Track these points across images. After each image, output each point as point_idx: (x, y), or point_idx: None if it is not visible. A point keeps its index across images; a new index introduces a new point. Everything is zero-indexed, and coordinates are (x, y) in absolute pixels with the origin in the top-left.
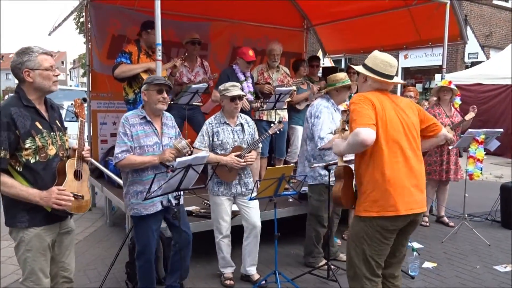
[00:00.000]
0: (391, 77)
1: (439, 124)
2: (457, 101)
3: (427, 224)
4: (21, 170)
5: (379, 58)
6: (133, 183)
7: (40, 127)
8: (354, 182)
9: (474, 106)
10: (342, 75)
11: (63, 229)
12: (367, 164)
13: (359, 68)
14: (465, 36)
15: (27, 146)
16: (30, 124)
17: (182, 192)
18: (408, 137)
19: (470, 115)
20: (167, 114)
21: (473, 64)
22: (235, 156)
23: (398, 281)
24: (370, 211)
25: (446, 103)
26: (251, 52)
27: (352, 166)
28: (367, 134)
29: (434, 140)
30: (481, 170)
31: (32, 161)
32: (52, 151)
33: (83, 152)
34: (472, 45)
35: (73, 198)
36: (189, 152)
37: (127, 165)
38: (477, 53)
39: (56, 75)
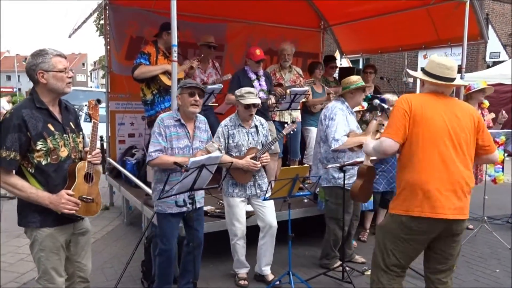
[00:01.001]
0: (448, 79)
1: (493, 147)
2: (486, 102)
3: None
4: (33, 171)
5: (435, 62)
6: (160, 182)
7: (52, 129)
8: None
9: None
10: (355, 78)
11: (78, 230)
12: (402, 165)
13: (416, 74)
14: (485, 35)
15: (38, 148)
16: (42, 126)
17: (202, 195)
18: (452, 141)
19: (490, 116)
20: (201, 117)
21: (495, 63)
22: (251, 158)
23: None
24: (398, 210)
25: (474, 103)
26: (258, 51)
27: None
28: (388, 145)
29: (483, 157)
30: (503, 172)
31: (44, 163)
32: (64, 153)
33: (88, 157)
34: (493, 44)
35: (80, 204)
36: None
37: (160, 164)
38: (499, 52)
39: (69, 77)
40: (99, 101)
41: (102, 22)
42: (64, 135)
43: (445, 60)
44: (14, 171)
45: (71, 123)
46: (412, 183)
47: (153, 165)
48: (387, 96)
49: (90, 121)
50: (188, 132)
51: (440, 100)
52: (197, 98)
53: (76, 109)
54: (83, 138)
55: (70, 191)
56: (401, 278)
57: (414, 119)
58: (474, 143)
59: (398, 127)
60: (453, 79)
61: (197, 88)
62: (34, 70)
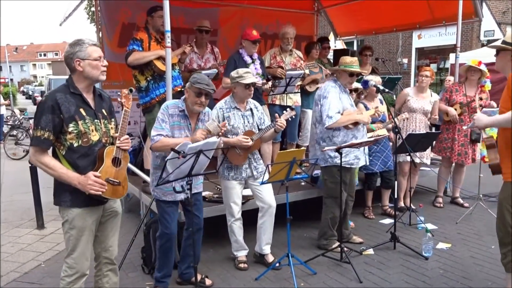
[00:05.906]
0: None
1: None
2: (488, 84)
3: (441, 205)
4: (64, 153)
5: None
6: (159, 168)
7: (84, 113)
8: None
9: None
10: (348, 60)
11: (107, 211)
12: None
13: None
14: (480, 13)
15: (70, 130)
16: (74, 110)
17: (200, 180)
18: None
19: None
20: (207, 110)
21: (490, 42)
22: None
23: None
24: None
25: (473, 84)
26: (254, 32)
27: None
28: None
29: None
30: None
31: (75, 145)
32: (95, 137)
33: (117, 143)
34: (488, 23)
35: (106, 186)
36: (220, 134)
37: (162, 146)
38: (493, 30)
39: (104, 66)
40: (131, 90)
41: (93, 9)
42: (96, 120)
43: None
44: (48, 151)
45: (103, 110)
46: None
47: (155, 149)
48: (369, 77)
49: (122, 110)
50: (190, 124)
51: None
52: (203, 99)
53: (110, 98)
54: (116, 125)
55: (97, 173)
56: None
57: None
58: None
59: None
60: None
61: (205, 90)
62: (71, 59)
